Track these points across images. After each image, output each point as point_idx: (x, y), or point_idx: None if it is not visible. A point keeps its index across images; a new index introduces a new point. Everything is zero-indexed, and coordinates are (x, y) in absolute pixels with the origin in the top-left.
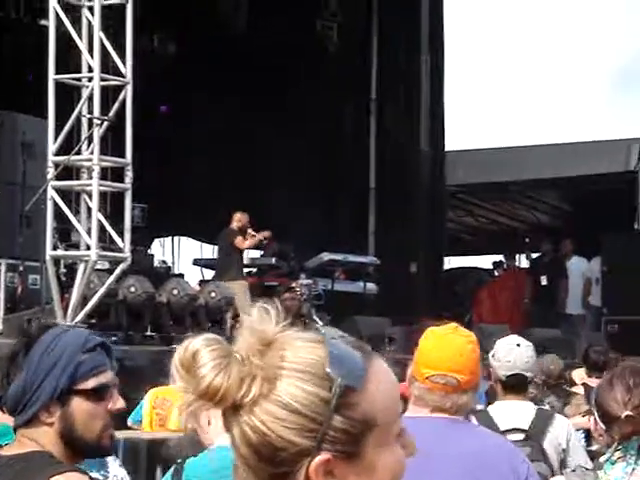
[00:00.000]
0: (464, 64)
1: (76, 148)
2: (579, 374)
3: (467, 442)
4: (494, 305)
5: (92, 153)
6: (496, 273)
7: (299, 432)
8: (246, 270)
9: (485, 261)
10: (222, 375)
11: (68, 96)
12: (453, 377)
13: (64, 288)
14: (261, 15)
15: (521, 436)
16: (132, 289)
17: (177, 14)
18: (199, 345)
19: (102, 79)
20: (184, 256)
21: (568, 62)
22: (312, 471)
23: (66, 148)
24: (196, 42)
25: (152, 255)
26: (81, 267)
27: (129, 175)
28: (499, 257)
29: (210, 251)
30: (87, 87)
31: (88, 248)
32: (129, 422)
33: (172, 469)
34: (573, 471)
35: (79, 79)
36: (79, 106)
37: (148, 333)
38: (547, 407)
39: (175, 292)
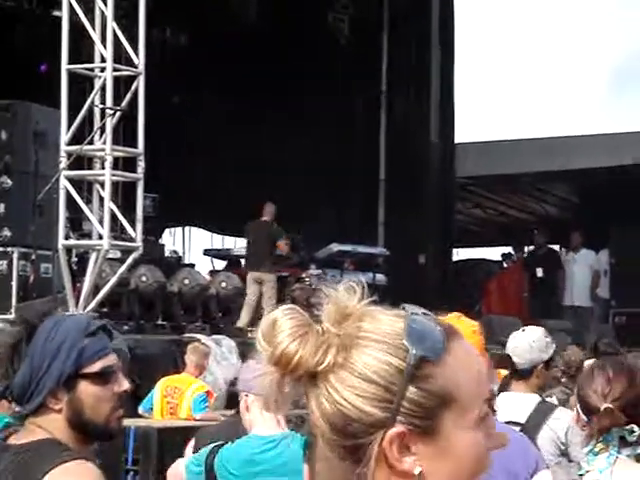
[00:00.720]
0: (474, 57)
1: (88, 138)
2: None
3: None
4: (503, 297)
5: (104, 143)
6: (505, 265)
7: (373, 401)
8: None
9: (494, 253)
10: (297, 342)
11: (81, 86)
12: None
13: (76, 277)
14: (272, 7)
15: (516, 429)
16: (143, 278)
17: (189, 5)
18: (279, 314)
19: (115, 69)
20: (195, 246)
21: (577, 53)
22: (386, 443)
23: (79, 138)
24: (208, 33)
25: (163, 245)
26: (93, 256)
27: (141, 165)
28: (508, 249)
29: (220, 241)
30: (100, 77)
31: (100, 237)
32: (140, 410)
33: (208, 449)
34: (557, 464)
35: (92, 69)
36: (92, 96)
37: (159, 322)
38: (553, 399)
39: (186, 282)
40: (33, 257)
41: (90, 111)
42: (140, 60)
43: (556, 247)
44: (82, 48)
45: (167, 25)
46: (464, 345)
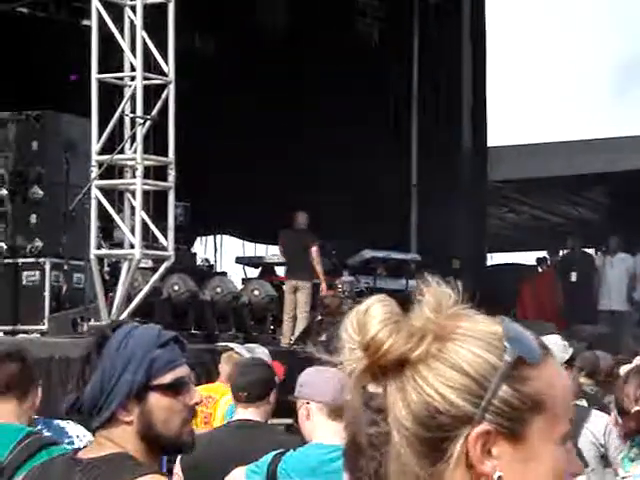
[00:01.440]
0: (506, 60)
1: (119, 147)
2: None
3: None
4: (537, 301)
5: (135, 152)
6: (539, 269)
7: (463, 393)
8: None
9: (529, 257)
10: (390, 328)
11: (111, 95)
12: None
13: (108, 287)
14: (301, 12)
15: None
16: (176, 287)
17: (217, 11)
18: (374, 301)
19: (145, 78)
20: (226, 254)
21: (608, 54)
22: (472, 439)
23: (109, 147)
24: (236, 40)
25: (195, 253)
26: (125, 266)
27: (172, 173)
28: (543, 253)
29: (252, 249)
30: (130, 86)
31: (132, 247)
32: None
33: (270, 456)
34: (592, 470)
35: (122, 78)
36: (122, 105)
37: (192, 331)
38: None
39: (218, 290)
40: (65, 267)
41: (120, 120)
42: (170, 68)
43: (591, 251)
44: (112, 57)
45: (195, 32)
46: (556, 363)
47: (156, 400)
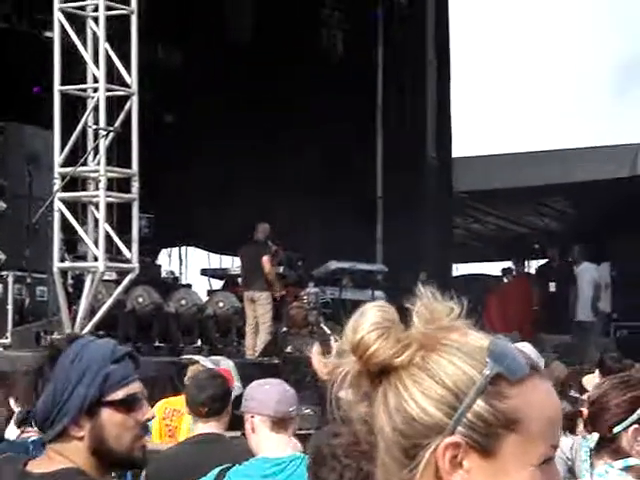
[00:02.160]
0: (469, 70)
1: (82, 159)
2: (590, 380)
3: None
4: (504, 312)
5: (98, 164)
6: (505, 280)
7: (437, 403)
8: None
9: (494, 268)
10: (379, 332)
11: (74, 107)
12: None
13: (71, 300)
14: (266, 24)
15: None
16: (140, 300)
17: (181, 23)
18: (372, 305)
19: (107, 89)
20: (191, 266)
21: (573, 65)
22: (440, 449)
23: (72, 159)
24: (200, 51)
25: (159, 265)
26: (88, 278)
27: (135, 185)
28: (508, 264)
29: (217, 261)
30: (92, 98)
31: (95, 259)
32: None
33: (216, 471)
34: None
35: (84, 90)
36: (85, 117)
37: (156, 344)
38: None
39: (183, 302)
40: (28, 280)
41: (83, 132)
42: (133, 80)
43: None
44: (74, 69)
45: (159, 43)
46: (548, 387)
47: (108, 416)
